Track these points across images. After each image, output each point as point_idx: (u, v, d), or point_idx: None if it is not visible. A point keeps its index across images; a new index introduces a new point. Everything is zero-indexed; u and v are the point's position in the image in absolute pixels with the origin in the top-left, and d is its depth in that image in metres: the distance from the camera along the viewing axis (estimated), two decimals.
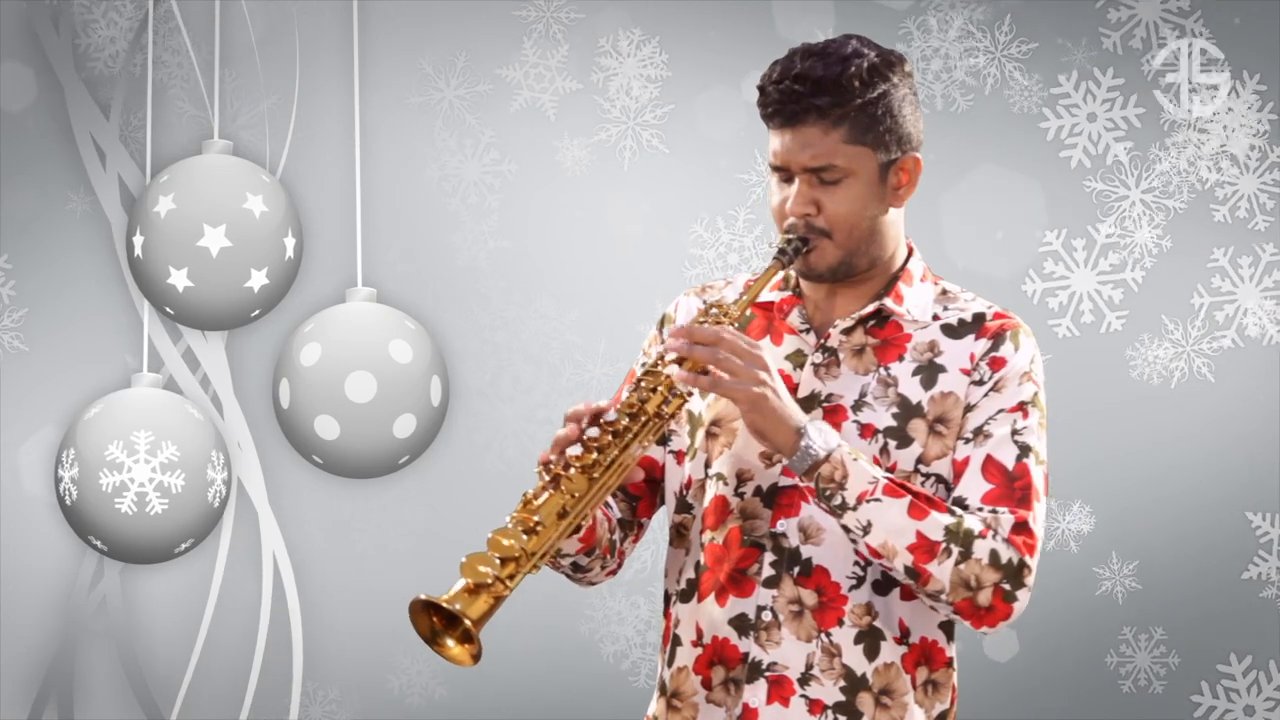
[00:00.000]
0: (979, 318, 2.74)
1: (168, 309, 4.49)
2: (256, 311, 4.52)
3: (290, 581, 4.72)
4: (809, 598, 2.69)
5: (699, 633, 2.75)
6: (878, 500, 2.61)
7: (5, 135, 4.75)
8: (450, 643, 2.54)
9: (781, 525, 2.71)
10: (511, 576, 2.54)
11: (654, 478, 2.86)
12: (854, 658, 2.69)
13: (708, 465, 2.77)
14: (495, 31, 4.78)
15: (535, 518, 2.59)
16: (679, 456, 2.83)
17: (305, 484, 4.74)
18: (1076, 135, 4.69)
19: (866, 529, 2.62)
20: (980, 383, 2.70)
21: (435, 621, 2.54)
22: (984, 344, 2.71)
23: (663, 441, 2.85)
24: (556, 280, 4.78)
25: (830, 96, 2.66)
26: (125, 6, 4.75)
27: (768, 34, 4.70)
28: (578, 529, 2.69)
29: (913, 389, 2.70)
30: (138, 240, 4.46)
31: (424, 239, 4.78)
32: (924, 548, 2.61)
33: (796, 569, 2.70)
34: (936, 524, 2.62)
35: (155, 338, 4.69)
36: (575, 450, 2.63)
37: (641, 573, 4.76)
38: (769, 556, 2.71)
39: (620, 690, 4.76)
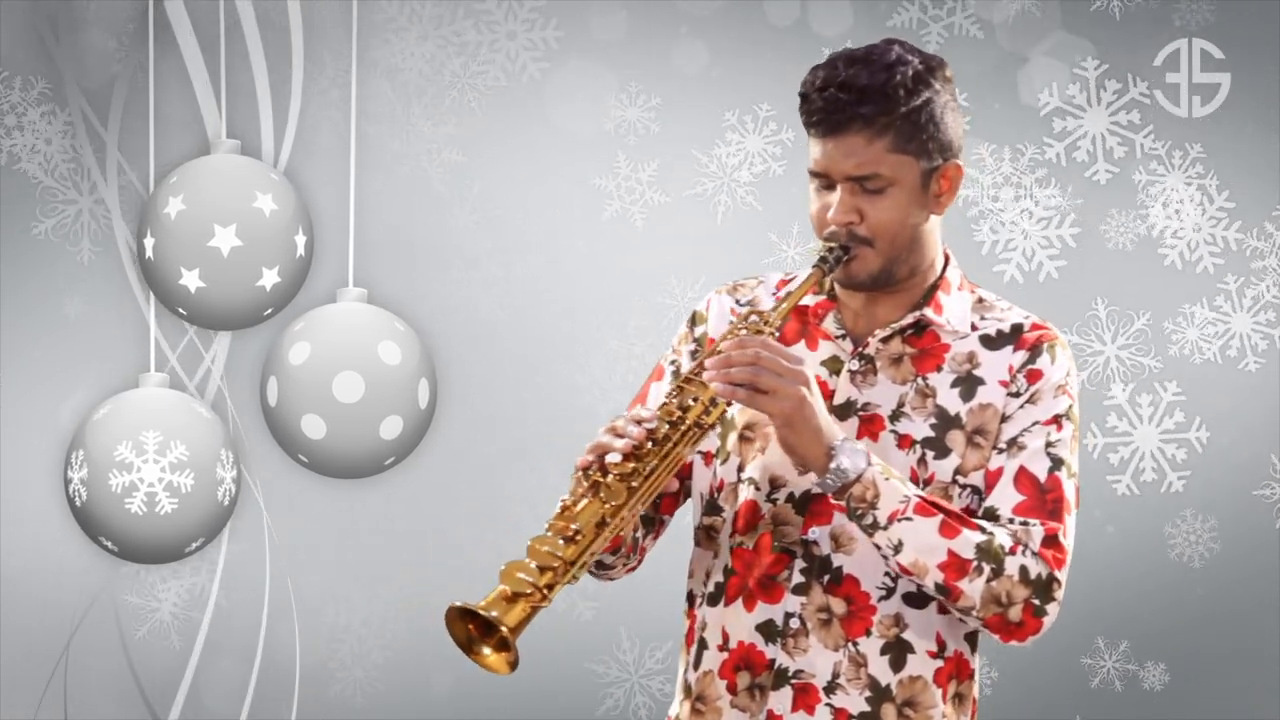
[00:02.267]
0: (1017, 329, 2.73)
1: (180, 310, 4.48)
2: (269, 310, 4.51)
3: (290, 581, 4.71)
4: (838, 606, 2.69)
5: (725, 637, 2.74)
6: (909, 519, 2.61)
7: (6, 135, 4.72)
8: (486, 650, 2.52)
9: (813, 533, 2.70)
10: (550, 586, 2.52)
11: (680, 476, 2.84)
12: (880, 668, 2.69)
13: (740, 469, 2.76)
14: (494, 31, 4.77)
15: (573, 526, 2.57)
16: (707, 458, 2.81)
17: (294, 484, 4.72)
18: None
19: (898, 548, 2.62)
20: (1017, 395, 2.70)
21: (471, 629, 2.53)
22: (1022, 356, 2.71)
23: None
24: (548, 285, 4.77)
25: (875, 105, 2.63)
26: (125, 6, 4.72)
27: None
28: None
29: (951, 400, 2.70)
30: (148, 242, 4.44)
31: (417, 241, 4.76)
32: (955, 566, 2.61)
33: (826, 577, 2.69)
34: (968, 542, 2.61)
35: (160, 337, 4.67)
36: (614, 457, 2.61)
37: None
38: (799, 564, 2.70)
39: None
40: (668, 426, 2.63)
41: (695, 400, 2.64)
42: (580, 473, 2.62)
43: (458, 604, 2.51)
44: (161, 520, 4.41)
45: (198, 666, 4.71)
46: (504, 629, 2.49)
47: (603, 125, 4.76)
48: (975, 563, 2.61)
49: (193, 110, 4.70)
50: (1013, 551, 2.62)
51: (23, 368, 4.73)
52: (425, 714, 4.75)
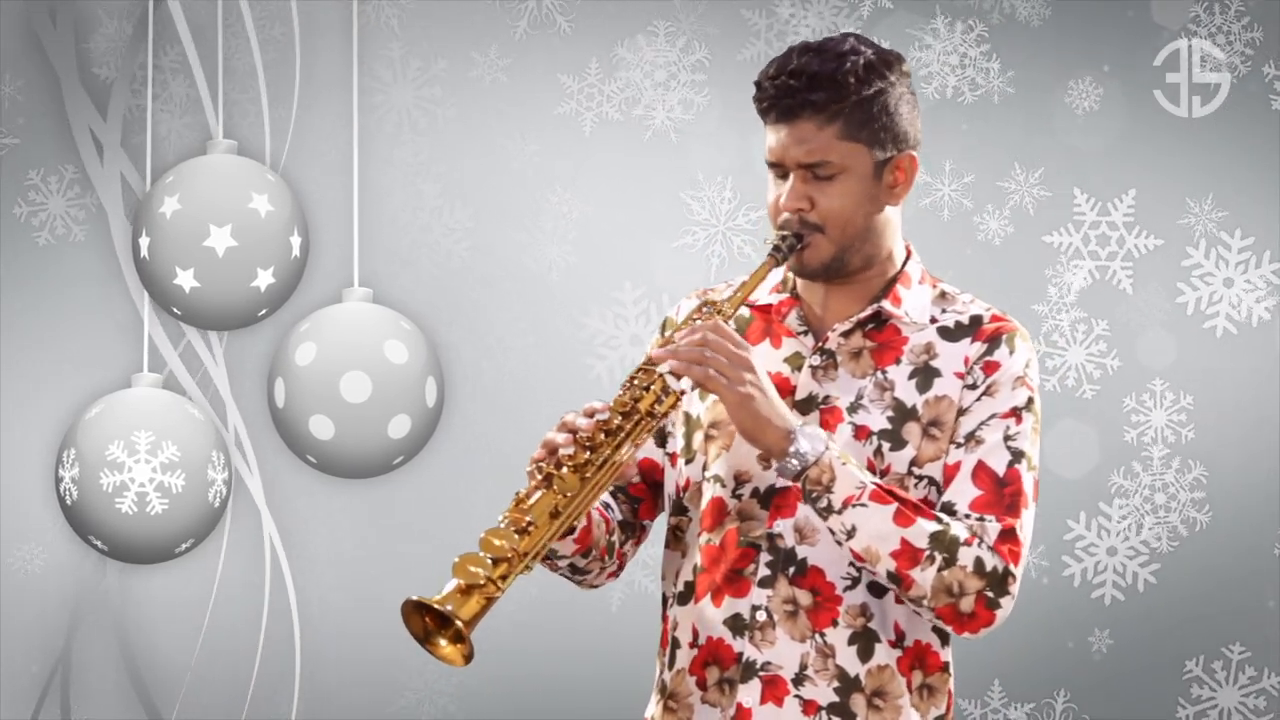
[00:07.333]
0: (976, 320, 2.74)
1: (174, 309, 4.50)
2: (264, 311, 4.52)
3: (290, 581, 4.73)
4: (804, 598, 2.70)
5: (695, 634, 2.75)
6: (863, 505, 2.62)
7: (5, 134, 4.75)
8: (442, 643, 2.56)
9: (778, 526, 2.71)
10: (504, 577, 2.55)
11: (656, 480, 2.87)
12: (847, 658, 2.70)
13: (705, 467, 2.78)
14: (496, 31, 4.78)
15: (527, 517, 2.59)
16: (673, 459, 2.83)
17: (303, 484, 4.74)
18: None
19: (851, 533, 2.63)
20: (973, 386, 2.71)
21: (428, 622, 2.56)
22: (979, 347, 2.72)
23: (662, 443, 2.86)
24: (553, 281, 4.78)
25: (825, 92, 2.66)
26: (125, 6, 4.75)
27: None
28: (571, 529, 2.70)
29: (908, 392, 2.71)
30: (143, 241, 4.46)
31: (421, 240, 4.78)
32: (907, 554, 2.62)
33: (792, 569, 2.70)
34: (922, 531, 2.62)
35: (155, 337, 4.69)
36: (567, 449, 2.64)
37: None
38: (765, 557, 2.71)
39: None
40: (620, 417, 2.66)
41: (647, 390, 2.67)
42: (534, 466, 2.65)
43: (413, 598, 2.54)
44: (152, 520, 4.42)
45: (197, 666, 4.73)
46: (459, 622, 2.52)
47: (615, 122, 4.78)
48: (928, 552, 2.62)
49: (192, 110, 4.73)
50: (968, 543, 2.63)
51: (16, 366, 4.75)
52: (428, 714, 4.77)
